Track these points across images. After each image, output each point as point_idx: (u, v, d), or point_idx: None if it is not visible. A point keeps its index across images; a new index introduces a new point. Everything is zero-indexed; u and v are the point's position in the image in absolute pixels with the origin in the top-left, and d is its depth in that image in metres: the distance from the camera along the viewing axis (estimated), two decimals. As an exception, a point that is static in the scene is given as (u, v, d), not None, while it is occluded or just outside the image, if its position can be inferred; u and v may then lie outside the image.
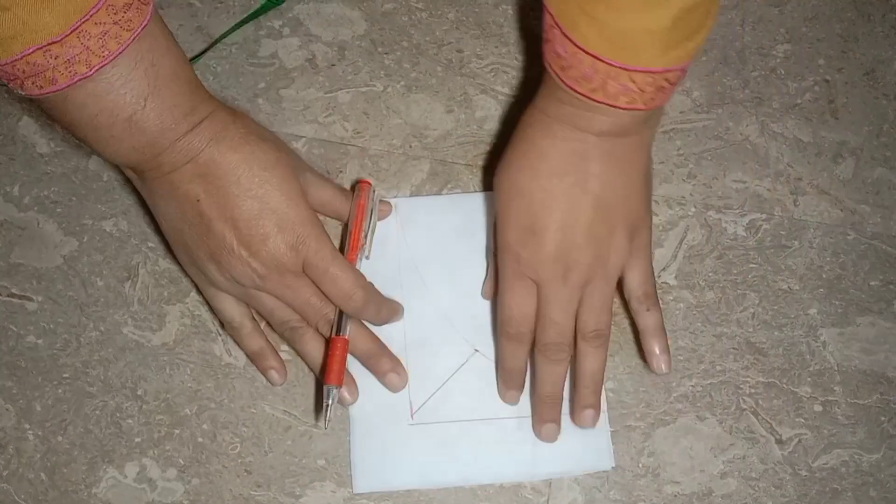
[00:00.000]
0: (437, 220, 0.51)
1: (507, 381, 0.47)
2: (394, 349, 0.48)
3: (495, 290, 0.48)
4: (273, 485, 0.47)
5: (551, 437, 0.46)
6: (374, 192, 0.50)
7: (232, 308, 0.46)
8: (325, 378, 0.44)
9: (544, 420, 0.46)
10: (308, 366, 0.48)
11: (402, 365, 0.48)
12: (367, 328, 0.48)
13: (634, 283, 0.45)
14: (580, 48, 0.38)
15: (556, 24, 0.39)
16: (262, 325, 0.49)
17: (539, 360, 0.45)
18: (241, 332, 0.47)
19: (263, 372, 0.48)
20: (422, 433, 0.47)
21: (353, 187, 0.51)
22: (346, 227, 0.50)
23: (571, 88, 0.40)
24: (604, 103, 0.40)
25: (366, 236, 0.48)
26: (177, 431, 0.48)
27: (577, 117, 0.42)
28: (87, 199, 0.52)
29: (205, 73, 0.55)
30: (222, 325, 0.49)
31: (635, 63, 0.38)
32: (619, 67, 0.38)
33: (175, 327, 0.50)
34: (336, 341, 0.45)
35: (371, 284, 0.46)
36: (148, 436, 0.48)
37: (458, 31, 0.56)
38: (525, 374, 0.47)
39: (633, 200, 0.44)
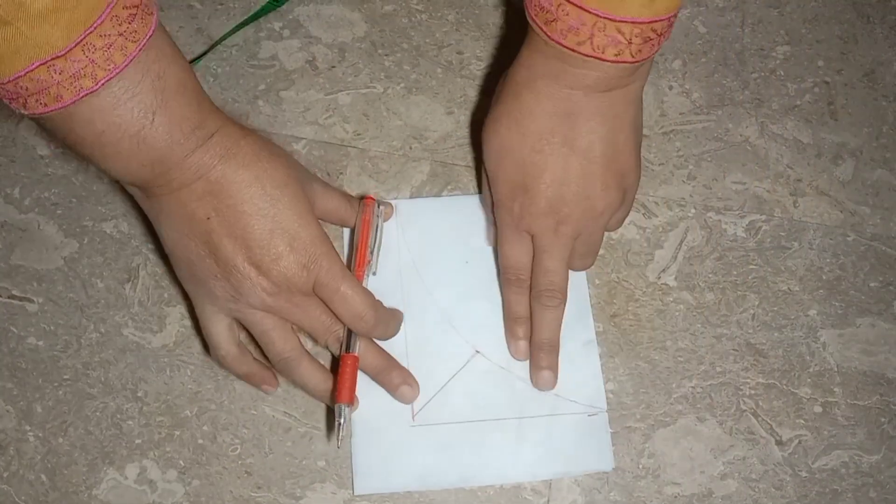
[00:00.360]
0: (438, 221, 0.51)
1: (514, 330, 0.48)
2: (394, 351, 0.48)
3: (496, 239, 0.49)
4: (273, 486, 0.47)
5: (548, 385, 0.48)
6: (378, 207, 0.49)
7: (223, 332, 0.45)
8: (337, 396, 0.44)
9: (541, 367, 0.47)
10: (308, 394, 0.47)
11: (412, 376, 0.47)
12: (376, 344, 0.47)
13: (611, 224, 0.48)
14: None
15: None
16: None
17: (535, 307, 0.47)
18: (228, 359, 0.46)
19: (256, 387, 0.47)
20: (423, 434, 0.47)
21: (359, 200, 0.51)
22: (352, 238, 0.50)
23: (557, 43, 0.40)
24: (591, 56, 0.39)
25: (372, 252, 0.48)
26: (177, 433, 0.48)
27: (563, 73, 0.41)
28: (87, 201, 0.52)
29: (205, 74, 0.55)
30: (207, 349, 0.48)
31: (622, 13, 0.38)
32: (606, 18, 0.38)
33: (175, 329, 0.50)
34: (346, 359, 0.45)
35: (380, 303, 0.46)
36: (148, 437, 0.48)
37: (458, 32, 0.56)
38: (529, 323, 0.48)
39: (622, 155, 0.44)
